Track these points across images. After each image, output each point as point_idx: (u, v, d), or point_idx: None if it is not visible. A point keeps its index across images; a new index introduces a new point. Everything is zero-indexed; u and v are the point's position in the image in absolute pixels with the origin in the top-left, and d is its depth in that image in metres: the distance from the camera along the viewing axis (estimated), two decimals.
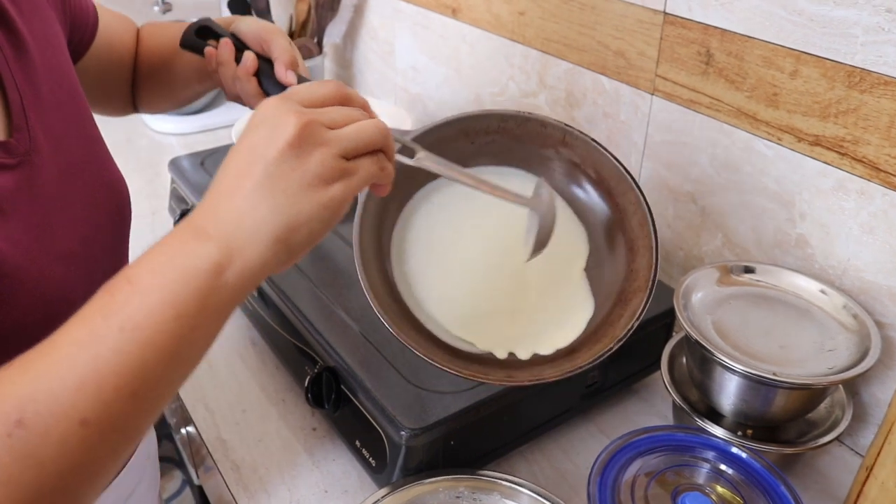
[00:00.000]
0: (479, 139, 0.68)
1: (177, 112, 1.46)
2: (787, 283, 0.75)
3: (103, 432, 0.38)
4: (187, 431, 0.93)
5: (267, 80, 0.66)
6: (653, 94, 0.89)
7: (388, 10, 1.36)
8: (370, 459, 0.68)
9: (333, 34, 1.44)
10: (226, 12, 1.40)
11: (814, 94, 0.72)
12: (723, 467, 0.62)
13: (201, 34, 0.69)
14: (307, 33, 1.44)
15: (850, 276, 0.74)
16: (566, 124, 0.66)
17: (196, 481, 1.10)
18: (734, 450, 0.63)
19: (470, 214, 0.68)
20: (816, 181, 0.74)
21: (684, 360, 0.78)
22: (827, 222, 0.74)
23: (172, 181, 1.06)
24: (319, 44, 1.44)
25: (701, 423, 0.70)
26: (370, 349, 0.71)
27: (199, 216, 0.44)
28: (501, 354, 0.63)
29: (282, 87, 0.64)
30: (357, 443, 0.70)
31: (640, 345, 0.67)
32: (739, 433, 0.70)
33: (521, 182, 0.68)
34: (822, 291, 0.73)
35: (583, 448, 0.76)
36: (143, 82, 0.79)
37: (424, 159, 0.55)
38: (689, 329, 0.68)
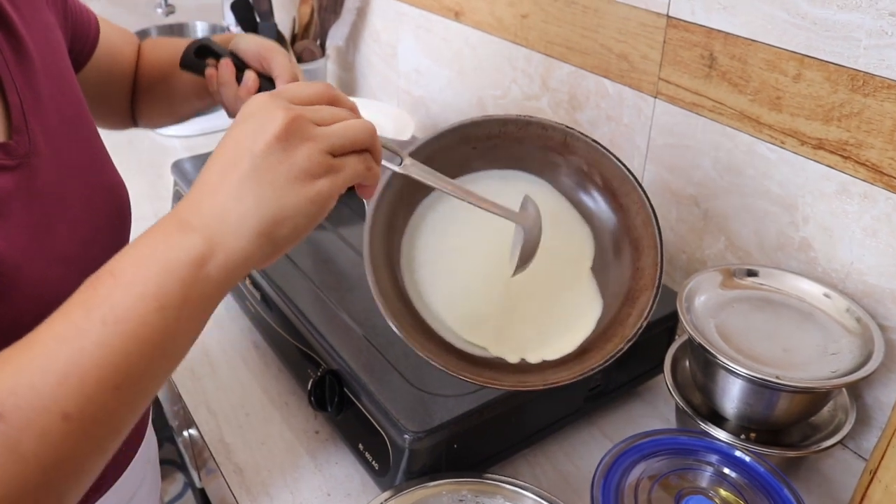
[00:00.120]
0: (482, 144, 0.68)
1: None
2: (790, 286, 0.75)
3: (86, 426, 0.38)
4: (190, 434, 0.93)
5: None
6: (656, 98, 0.89)
7: (390, 12, 1.36)
8: (373, 463, 0.68)
9: (336, 37, 1.44)
10: (228, 15, 1.40)
11: (817, 98, 0.72)
12: (726, 471, 0.62)
13: (200, 54, 0.69)
14: (310, 36, 1.44)
15: (854, 280, 0.74)
16: (567, 126, 0.66)
17: (198, 484, 1.10)
18: (737, 453, 0.63)
19: (477, 220, 0.68)
20: (819, 185, 0.74)
21: (687, 363, 0.78)
22: (830, 226, 0.74)
23: (175, 184, 1.06)
24: (322, 46, 1.44)
25: (704, 426, 0.70)
26: (373, 352, 0.71)
27: (184, 208, 0.44)
28: (513, 359, 0.63)
29: None
30: (360, 446, 0.70)
31: (643, 348, 0.67)
32: (743, 436, 0.70)
33: (526, 185, 0.69)
34: (826, 295, 0.73)
35: (586, 451, 0.76)
36: (142, 97, 0.79)
37: (411, 167, 0.55)
38: (692, 332, 0.68)
